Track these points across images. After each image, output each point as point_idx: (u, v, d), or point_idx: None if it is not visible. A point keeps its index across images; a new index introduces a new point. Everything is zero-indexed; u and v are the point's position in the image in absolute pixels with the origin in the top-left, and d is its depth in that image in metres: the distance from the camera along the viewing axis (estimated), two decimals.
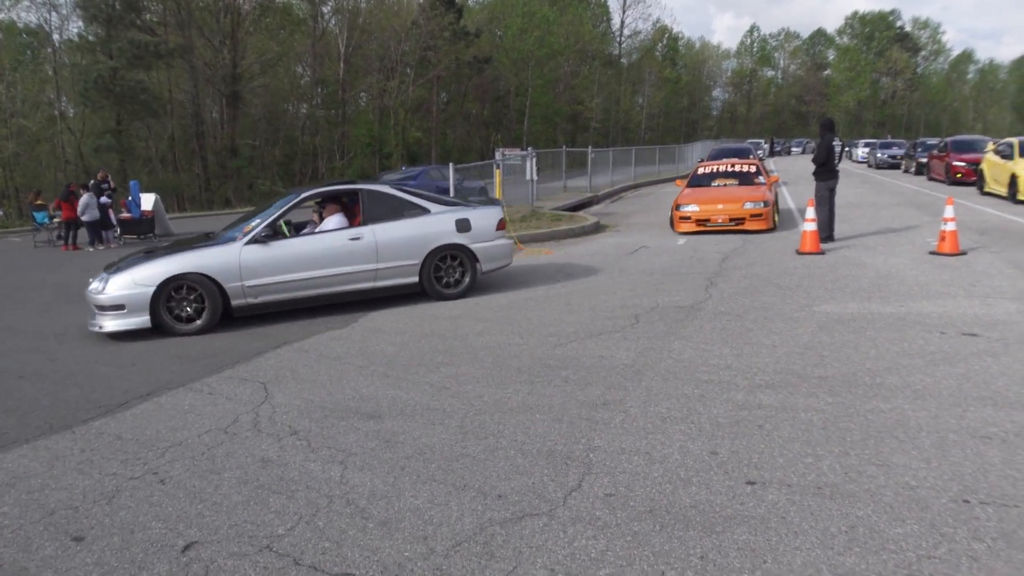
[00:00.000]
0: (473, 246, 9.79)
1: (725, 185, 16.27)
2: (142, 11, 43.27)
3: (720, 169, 17.11)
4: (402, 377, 6.33)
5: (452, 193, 16.03)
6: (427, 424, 5.15)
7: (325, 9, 55.92)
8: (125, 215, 21.41)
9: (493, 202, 10.78)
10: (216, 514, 3.98)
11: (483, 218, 9.94)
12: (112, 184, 21.99)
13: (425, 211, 9.70)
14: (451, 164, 16.69)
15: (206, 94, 47.59)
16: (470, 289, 9.87)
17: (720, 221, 14.61)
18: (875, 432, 4.59)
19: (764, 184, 15.82)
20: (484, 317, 8.55)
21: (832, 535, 3.44)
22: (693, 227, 14.89)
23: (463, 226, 9.72)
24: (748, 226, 14.46)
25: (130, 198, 21.69)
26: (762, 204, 14.47)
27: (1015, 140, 19.52)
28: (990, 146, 21.83)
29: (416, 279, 9.59)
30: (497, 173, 15.94)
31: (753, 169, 16.72)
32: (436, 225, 9.66)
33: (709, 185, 16.47)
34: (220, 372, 6.77)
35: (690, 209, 14.99)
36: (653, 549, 3.41)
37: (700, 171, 17.28)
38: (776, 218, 15.11)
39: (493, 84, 68.13)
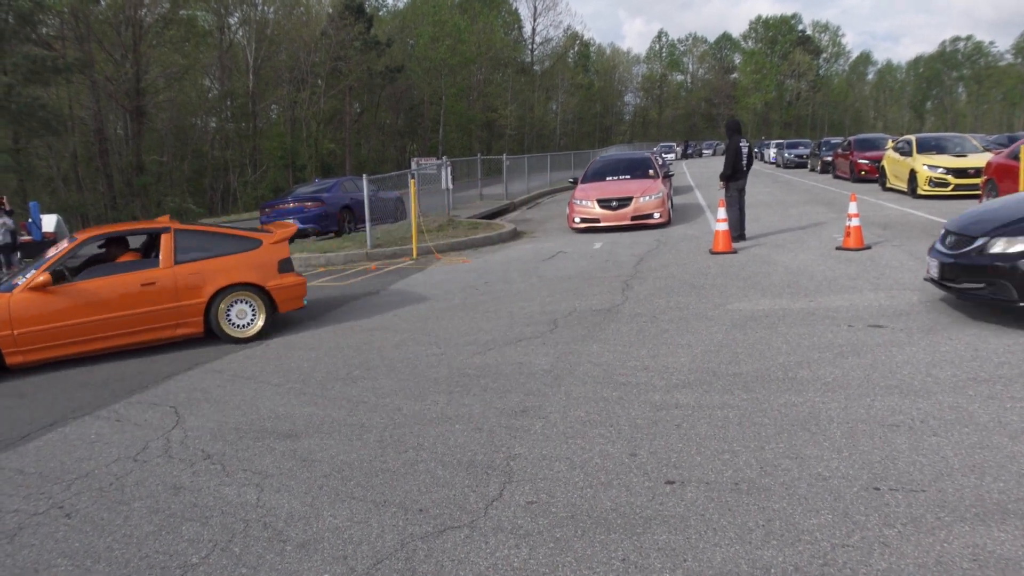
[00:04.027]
0: None
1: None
2: (37, 24, 41.70)
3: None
4: (318, 393, 6.21)
5: (367, 205, 15.78)
6: (345, 440, 5.06)
7: (232, 20, 54.96)
8: (25, 238, 20.54)
9: None
10: (126, 546, 3.82)
11: None
12: (7, 206, 21.09)
13: None
14: (365, 176, 16.46)
15: (109, 110, 46.15)
16: None
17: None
18: (788, 426, 4.69)
19: (267, 246, 8.61)
20: (401, 328, 8.46)
21: (750, 530, 3.50)
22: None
23: None
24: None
25: (30, 220, 20.83)
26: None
27: (913, 137, 20.34)
28: (890, 144, 22.71)
29: None
30: (412, 183, 15.78)
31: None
32: None
33: None
34: (128, 398, 6.53)
35: None
36: (575, 555, 3.41)
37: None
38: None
39: (407, 93, 67.94)
